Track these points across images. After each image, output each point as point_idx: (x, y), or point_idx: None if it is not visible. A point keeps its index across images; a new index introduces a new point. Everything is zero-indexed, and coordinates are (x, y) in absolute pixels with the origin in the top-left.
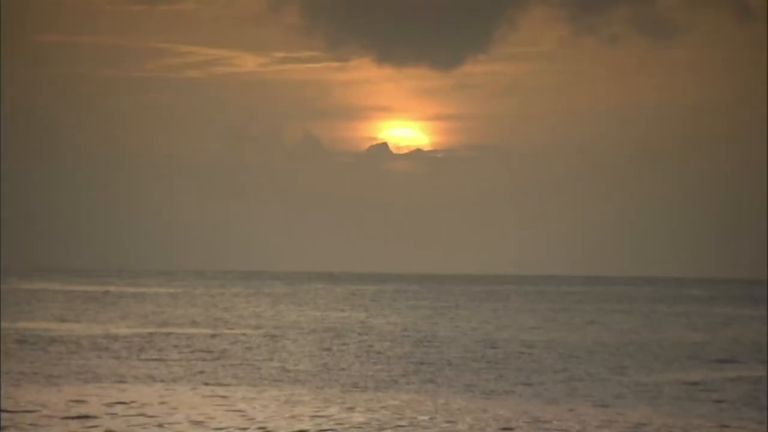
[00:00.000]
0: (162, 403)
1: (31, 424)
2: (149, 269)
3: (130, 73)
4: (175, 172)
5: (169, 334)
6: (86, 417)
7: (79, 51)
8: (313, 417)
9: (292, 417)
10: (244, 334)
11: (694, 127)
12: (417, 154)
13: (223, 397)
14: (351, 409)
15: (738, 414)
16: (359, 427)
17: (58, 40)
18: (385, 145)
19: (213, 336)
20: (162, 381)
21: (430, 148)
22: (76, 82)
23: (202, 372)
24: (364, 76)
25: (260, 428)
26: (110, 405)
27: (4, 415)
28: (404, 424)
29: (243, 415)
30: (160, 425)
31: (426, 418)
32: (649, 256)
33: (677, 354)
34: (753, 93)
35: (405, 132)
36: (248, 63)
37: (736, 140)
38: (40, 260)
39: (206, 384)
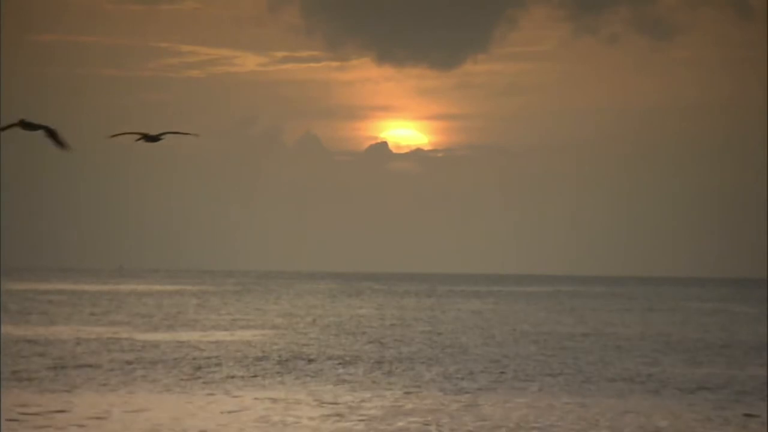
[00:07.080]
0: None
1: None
2: (149, 269)
3: (131, 72)
4: (174, 172)
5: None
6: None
7: (79, 51)
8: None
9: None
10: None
11: (693, 126)
12: (417, 153)
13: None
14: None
15: (738, 408)
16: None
17: (59, 39)
18: (385, 144)
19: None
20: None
21: (430, 148)
22: (76, 82)
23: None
24: (364, 75)
25: None
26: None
27: (4, 419)
28: None
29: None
30: None
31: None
32: (650, 257)
33: (680, 348)
34: (753, 93)
35: (405, 131)
36: (248, 63)
37: (735, 140)
38: (40, 260)
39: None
